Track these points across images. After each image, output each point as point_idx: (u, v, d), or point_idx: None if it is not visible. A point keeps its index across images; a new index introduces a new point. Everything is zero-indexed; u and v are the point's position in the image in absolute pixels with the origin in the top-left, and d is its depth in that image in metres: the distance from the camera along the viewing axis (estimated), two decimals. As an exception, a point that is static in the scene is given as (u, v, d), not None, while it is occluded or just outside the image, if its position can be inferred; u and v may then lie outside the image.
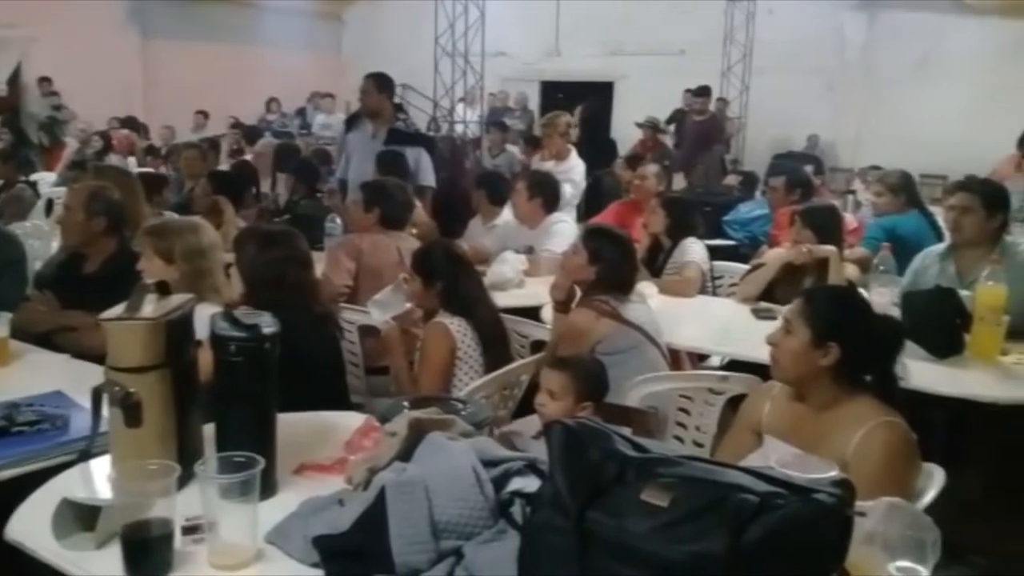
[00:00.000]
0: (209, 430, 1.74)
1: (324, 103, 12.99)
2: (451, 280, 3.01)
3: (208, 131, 11.10)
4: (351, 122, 5.70)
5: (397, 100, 6.26)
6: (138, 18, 12.84)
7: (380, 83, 5.38)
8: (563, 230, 4.44)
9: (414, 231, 4.48)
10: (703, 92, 9.81)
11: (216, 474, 1.48)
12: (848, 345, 2.03)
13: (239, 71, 13.07)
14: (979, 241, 3.41)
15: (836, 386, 2.06)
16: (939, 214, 4.09)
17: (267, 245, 2.69)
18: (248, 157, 7.97)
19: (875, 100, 11.96)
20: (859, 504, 1.31)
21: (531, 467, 1.54)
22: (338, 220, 4.43)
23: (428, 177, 5.37)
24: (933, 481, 1.92)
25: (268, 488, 1.66)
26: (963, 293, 3.11)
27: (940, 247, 3.62)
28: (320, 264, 3.96)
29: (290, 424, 1.88)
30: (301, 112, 13.66)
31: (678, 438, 2.76)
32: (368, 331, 3.45)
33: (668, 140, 10.49)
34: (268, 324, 1.66)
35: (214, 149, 7.99)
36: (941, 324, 3.00)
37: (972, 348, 3.02)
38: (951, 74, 11.67)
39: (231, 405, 1.67)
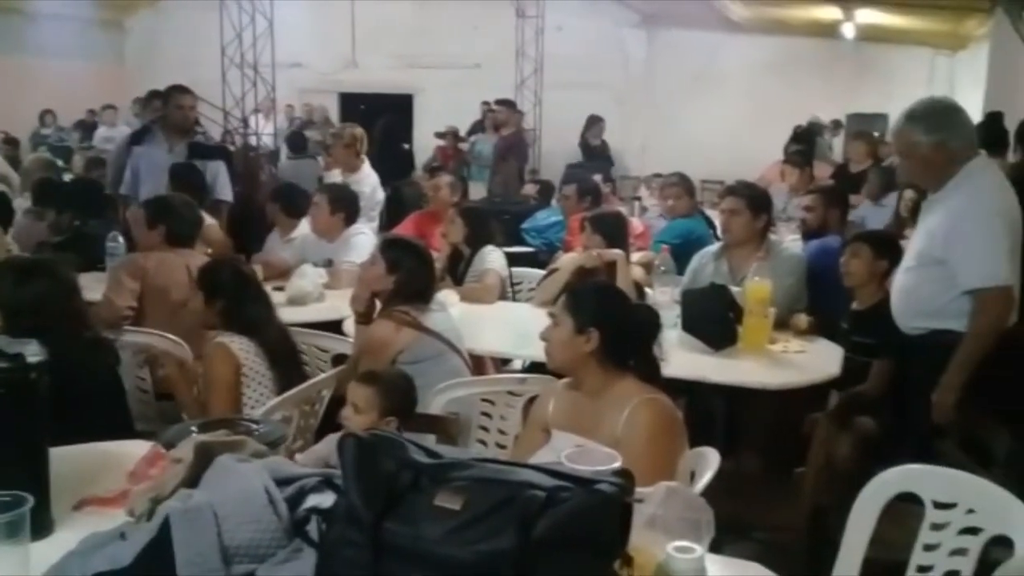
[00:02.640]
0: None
1: (106, 115, 12.20)
2: (234, 300, 2.93)
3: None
4: (140, 136, 5.41)
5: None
6: None
7: (195, 97, 5.29)
8: (362, 242, 4.42)
9: (209, 250, 4.31)
10: (507, 105, 10.05)
11: (-21, 517, 1.37)
12: (607, 330, 2.19)
13: (8, 82, 12.00)
14: (747, 240, 3.71)
15: (603, 371, 2.21)
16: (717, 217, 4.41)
17: (25, 277, 2.51)
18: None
19: (658, 112, 12.73)
20: (638, 491, 1.40)
21: (327, 483, 1.52)
22: (120, 239, 4.19)
23: (225, 191, 5.24)
24: (709, 463, 2.07)
25: (42, 527, 1.55)
26: (735, 289, 3.37)
27: (714, 247, 3.91)
28: (102, 285, 3.74)
29: (68, 457, 1.76)
30: (80, 125, 12.76)
31: (482, 442, 2.82)
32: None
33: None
34: (34, 352, 1.55)
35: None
36: (716, 318, 3.24)
37: (744, 339, 3.28)
38: (724, 87, 12.63)
39: (-5, 442, 1.54)
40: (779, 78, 12.33)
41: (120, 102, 12.17)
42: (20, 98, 11.86)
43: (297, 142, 9.56)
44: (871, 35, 11.73)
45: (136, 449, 1.97)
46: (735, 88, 12.56)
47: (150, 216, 3.79)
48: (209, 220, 4.79)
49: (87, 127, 12.62)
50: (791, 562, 1.92)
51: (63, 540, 1.56)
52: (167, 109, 5.29)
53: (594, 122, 10.86)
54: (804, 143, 9.30)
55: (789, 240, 4.57)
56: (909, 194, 5.26)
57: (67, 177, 7.54)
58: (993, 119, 5.60)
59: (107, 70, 13.95)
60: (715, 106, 12.35)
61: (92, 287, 3.88)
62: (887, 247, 3.38)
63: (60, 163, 8.82)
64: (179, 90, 5.28)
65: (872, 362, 3.22)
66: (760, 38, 12.70)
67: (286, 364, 2.96)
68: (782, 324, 3.44)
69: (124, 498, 1.68)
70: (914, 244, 2.97)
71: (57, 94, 12.47)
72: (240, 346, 2.85)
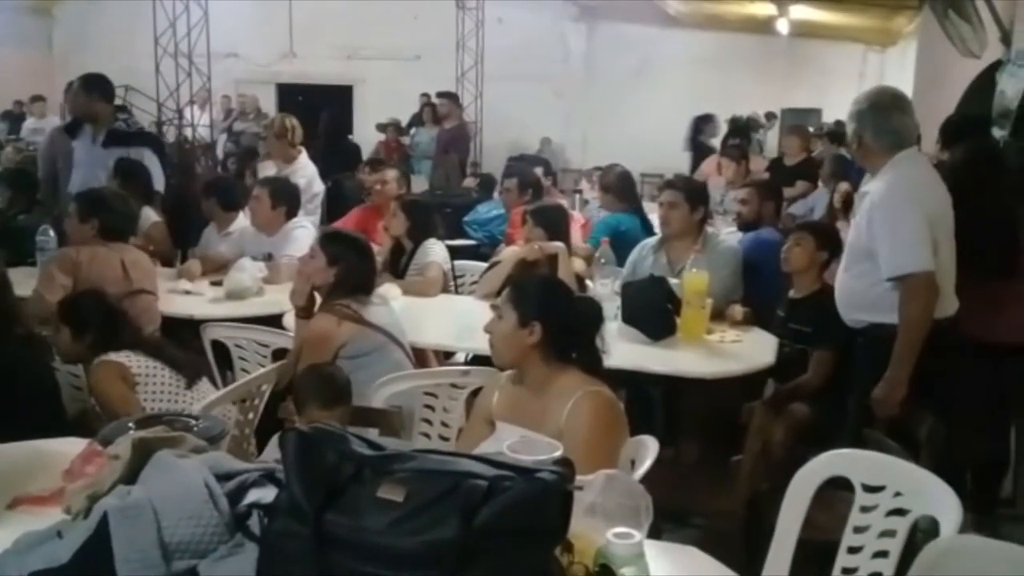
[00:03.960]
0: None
1: (35, 107, 11.82)
2: (104, 329, 2.84)
3: None
4: (73, 129, 5.26)
5: (119, 102, 5.84)
6: None
7: (87, 84, 5.01)
8: (302, 235, 4.37)
9: (151, 247, 4.23)
10: (450, 98, 10.00)
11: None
12: (549, 323, 2.22)
13: (-73, 72, 11.58)
14: (685, 233, 3.78)
15: (546, 364, 2.24)
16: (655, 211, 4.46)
17: None
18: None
19: (599, 105, 12.82)
20: (579, 479, 1.42)
21: (268, 477, 1.51)
22: (51, 233, 4.08)
23: (157, 181, 5.03)
24: (648, 451, 2.11)
25: (-26, 528, 1.52)
26: (673, 281, 3.43)
27: (653, 240, 3.97)
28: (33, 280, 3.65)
29: (2, 455, 1.73)
30: (7, 116, 12.34)
31: (425, 435, 2.83)
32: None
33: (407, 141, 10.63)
34: (-37, 349, 1.51)
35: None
36: (654, 309, 3.30)
37: (682, 330, 3.34)
38: (663, 81, 12.80)
39: (-77, 441, 1.50)
40: (716, 73, 12.53)
41: (49, 92, 11.80)
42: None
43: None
44: (805, 31, 11.99)
45: (71, 447, 1.94)
46: (673, 82, 12.73)
47: (83, 209, 3.70)
48: (154, 217, 4.71)
49: (15, 118, 12.22)
50: (729, 547, 1.96)
51: (-3, 540, 1.53)
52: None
53: (706, 121, 9.82)
54: (741, 137, 9.47)
55: (725, 233, 4.65)
56: (844, 186, 5.40)
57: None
58: None
59: (35, 59, 13.52)
60: (654, 100, 12.49)
61: (22, 282, 3.78)
62: (829, 239, 3.48)
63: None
64: (74, 81, 5.12)
65: (806, 350, 3.31)
66: (697, 33, 12.90)
67: (185, 359, 2.91)
68: (719, 315, 3.51)
69: (60, 496, 1.65)
70: (849, 238, 3.06)
71: (-19, 82, 12.05)
72: (128, 358, 2.77)
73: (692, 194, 3.82)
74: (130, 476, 1.49)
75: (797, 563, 1.96)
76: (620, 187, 4.98)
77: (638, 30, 12.68)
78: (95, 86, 5.01)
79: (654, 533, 1.57)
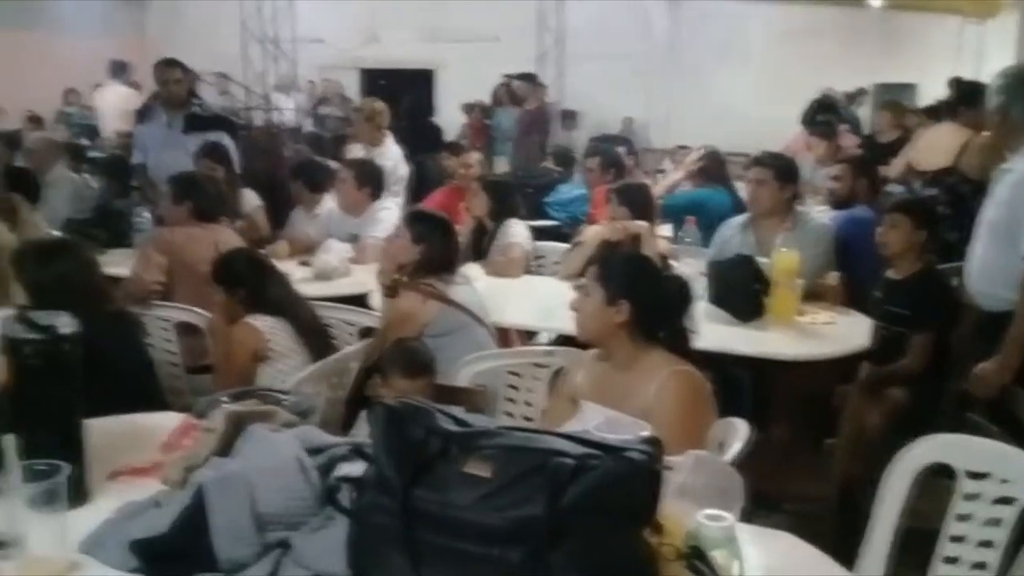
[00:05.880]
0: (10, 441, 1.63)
1: (130, 92, 12.23)
2: (255, 286, 2.94)
3: (1, 126, 10.21)
4: (144, 113, 5.42)
5: (213, 88, 6.01)
6: (-98, 4, 11.63)
7: (184, 68, 5.18)
8: (387, 216, 4.43)
9: (251, 229, 4.33)
10: (529, 80, 9.97)
11: (19, 484, 1.39)
12: (637, 302, 2.18)
13: (31, 60, 12.04)
14: (774, 211, 3.68)
15: (633, 342, 2.20)
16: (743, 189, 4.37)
17: (47, 257, 2.56)
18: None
19: (683, 83, 12.59)
20: (667, 459, 1.39)
21: (357, 451, 1.53)
22: (147, 214, 4.22)
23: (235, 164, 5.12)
24: (738, 434, 2.06)
25: (79, 496, 1.58)
26: (761, 260, 3.34)
27: (741, 218, 3.87)
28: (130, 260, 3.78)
29: (102, 429, 1.79)
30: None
31: (508, 414, 2.82)
32: (187, 329, 3.32)
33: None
34: (66, 324, 1.57)
35: (12, 145, 7.37)
36: (742, 290, 3.22)
37: (772, 311, 3.26)
38: (750, 57, 12.47)
39: (32, 412, 1.56)
40: (804, 48, 12.14)
41: (143, 78, 12.19)
42: (43, 76, 11.90)
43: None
44: (898, 3, 11.53)
45: (168, 421, 2.00)
46: (760, 58, 12.39)
47: (177, 192, 3.82)
48: (256, 201, 4.84)
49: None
50: (821, 533, 1.91)
51: (100, 509, 1.59)
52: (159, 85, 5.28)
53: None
54: (830, 113, 9.16)
55: (816, 211, 4.52)
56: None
57: (93, 155, 7.59)
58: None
59: (129, 46, 13.97)
60: (740, 77, 12.19)
61: (120, 263, 3.93)
62: (926, 217, 3.33)
63: (85, 141, 8.88)
64: (165, 64, 5.22)
65: (904, 333, 3.18)
66: (784, 7, 12.52)
67: (315, 339, 2.98)
68: (810, 295, 3.41)
69: (158, 468, 1.71)
70: (988, 214, 2.91)
71: (79, 71, 12.50)
72: (267, 324, 2.87)
73: (781, 171, 3.72)
74: (225, 449, 1.53)
75: (893, 550, 1.89)
76: (709, 166, 4.90)
77: (723, 5, 12.37)
78: (186, 69, 5.16)
79: (744, 517, 1.53)
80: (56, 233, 4.34)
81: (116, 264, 3.93)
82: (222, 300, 2.96)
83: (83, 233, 4.42)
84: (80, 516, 1.52)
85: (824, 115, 8.94)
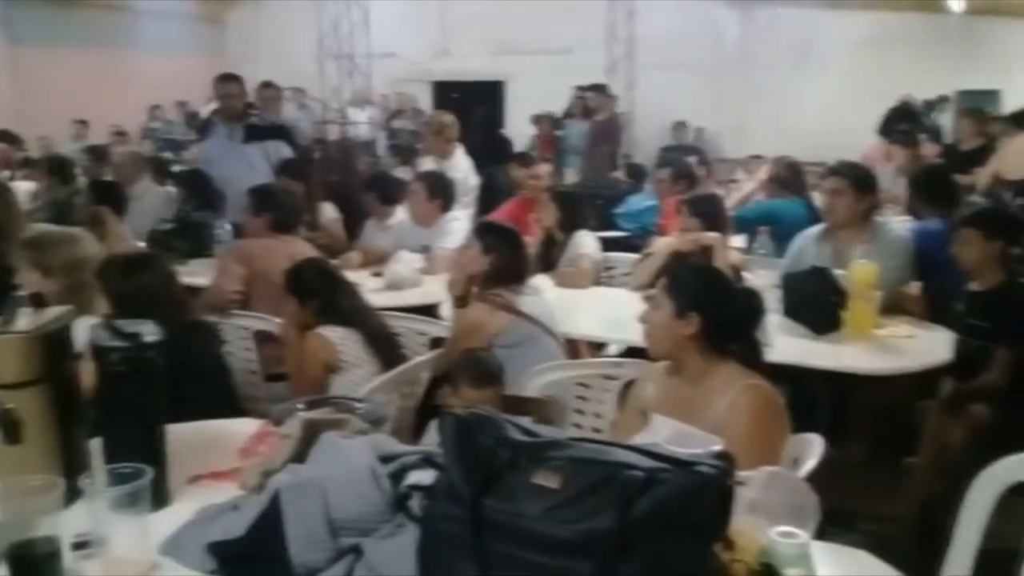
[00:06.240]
0: (97, 444, 1.69)
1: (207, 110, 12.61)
2: (326, 296, 3.00)
3: (89, 140, 10.64)
4: (205, 129, 5.58)
5: (290, 104, 6.11)
6: (3, 25, 12.20)
7: (241, 82, 5.33)
8: (458, 228, 4.47)
9: (327, 241, 4.43)
10: (600, 91, 9.95)
11: (103, 487, 1.45)
12: (707, 314, 2.15)
13: (117, 77, 12.55)
14: (850, 222, 3.59)
15: (703, 355, 2.17)
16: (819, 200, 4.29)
17: (130, 269, 2.65)
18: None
19: (756, 92, 12.41)
20: (740, 474, 1.37)
21: (427, 460, 1.55)
22: (227, 226, 4.34)
23: None
24: (813, 450, 2.02)
25: (160, 499, 1.63)
26: (838, 272, 3.27)
27: (816, 229, 3.79)
28: (211, 271, 3.89)
29: (183, 434, 1.84)
30: (194, 118, 13.23)
31: (577, 425, 2.82)
32: (264, 337, 3.41)
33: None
34: (150, 332, 1.63)
35: (100, 159, 7.67)
36: (818, 302, 3.15)
37: (849, 324, 3.18)
38: (826, 65, 12.21)
39: (116, 416, 1.62)
40: (882, 54, 11.85)
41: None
42: (128, 92, 12.38)
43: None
44: (980, 8, 11.17)
45: (246, 427, 2.05)
46: (836, 66, 12.13)
47: (256, 204, 3.92)
48: (332, 213, 4.95)
49: (202, 122, 13.05)
50: (899, 553, 1.85)
51: (179, 511, 1.64)
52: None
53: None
54: (910, 122, 8.93)
55: (896, 222, 4.40)
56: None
57: (176, 169, 7.84)
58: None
59: (209, 64, 14.43)
60: (815, 84, 11.96)
61: (201, 273, 4.05)
62: (999, 225, 3.21)
63: (169, 155, 9.17)
64: (223, 79, 5.37)
65: (987, 347, 3.08)
66: (860, 14, 12.24)
67: (386, 348, 3.02)
68: (889, 308, 3.33)
69: (236, 473, 1.75)
70: None
71: (163, 88, 12.95)
72: (338, 335, 2.92)
73: (858, 181, 3.63)
74: (300, 455, 1.56)
75: (973, 571, 1.83)
76: (785, 176, 4.83)
77: (795, 13, 12.16)
78: (243, 84, 5.29)
79: (818, 535, 1.49)
80: (141, 244, 4.51)
81: (197, 274, 4.06)
82: (294, 310, 3.02)
83: (166, 244, 4.59)
84: (161, 518, 1.56)
85: (904, 123, 8.72)
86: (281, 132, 5.45)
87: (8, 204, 3.68)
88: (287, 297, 3.03)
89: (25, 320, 1.62)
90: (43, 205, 5.87)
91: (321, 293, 3.01)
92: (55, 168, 6.06)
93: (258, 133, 5.23)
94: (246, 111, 5.35)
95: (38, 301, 1.69)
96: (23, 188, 6.63)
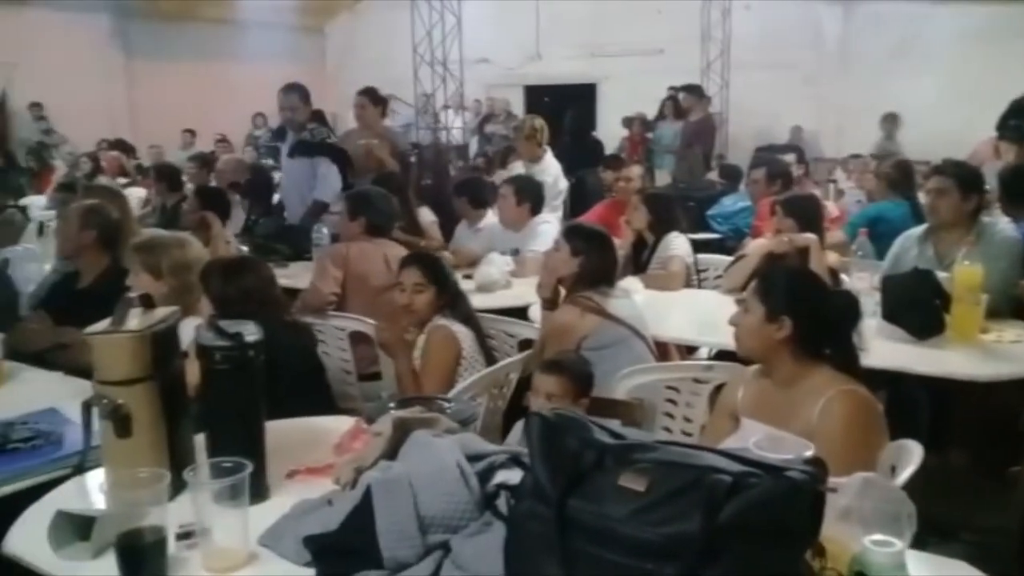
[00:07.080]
0: (200, 439, 1.78)
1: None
2: (456, 291, 3.10)
3: (196, 149, 11.12)
4: (281, 138, 5.61)
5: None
6: (120, 39, 12.84)
7: (306, 95, 5.33)
8: (547, 231, 4.49)
9: (426, 243, 4.53)
10: (694, 91, 9.84)
11: (206, 480, 1.52)
12: (800, 318, 2.10)
13: (223, 87, 13.06)
14: (955, 223, 3.46)
15: (795, 360, 2.13)
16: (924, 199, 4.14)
17: (232, 273, 2.74)
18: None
19: (855, 90, 12.02)
20: (832, 480, 1.34)
21: (515, 460, 1.57)
22: (325, 230, 4.47)
23: (325, 192, 5.12)
24: (912, 457, 1.96)
25: (259, 492, 1.69)
26: (941, 275, 3.15)
27: (918, 230, 3.67)
28: (309, 273, 4.01)
29: (281, 430, 1.91)
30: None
31: (667, 429, 2.80)
32: (359, 338, 3.49)
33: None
34: (251, 332, 1.70)
35: (206, 166, 8.01)
36: (920, 305, 3.04)
37: (952, 328, 3.06)
38: (928, 61, 11.73)
39: (219, 413, 1.70)
40: (990, 49, 11.31)
41: (323, 106, 12.90)
42: (233, 102, 12.86)
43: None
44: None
45: (341, 424, 2.12)
46: (941, 61, 11.65)
47: (351, 208, 4.03)
48: (431, 217, 5.04)
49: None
50: (1002, 566, 1.78)
51: (277, 504, 1.71)
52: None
53: None
54: (1021, 118, 8.50)
55: (1005, 222, 4.21)
56: None
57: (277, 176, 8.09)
58: None
59: (310, 73, 14.86)
60: (918, 81, 11.51)
61: (300, 275, 4.18)
62: None
63: (270, 162, 9.46)
64: (284, 90, 5.37)
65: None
66: (967, 6, 11.71)
67: (487, 351, 3.10)
68: (995, 312, 3.19)
69: (331, 468, 1.81)
70: None
71: (266, 97, 13.37)
72: (462, 331, 2.99)
73: (964, 180, 3.49)
74: (391, 452, 1.61)
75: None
76: (894, 176, 4.68)
77: (900, 7, 11.72)
78: (308, 96, 5.34)
79: (917, 545, 1.45)
80: (244, 248, 4.68)
81: (296, 277, 4.19)
82: (430, 299, 3.05)
83: (267, 248, 4.75)
84: (260, 511, 1.63)
85: (1016, 119, 8.31)
86: (328, 150, 5.27)
87: (122, 210, 3.88)
88: (427, 285, 3.05)
89: (135, 320, 1.71)
90: (153, 211, 6.18)
91: (454, 286, 3.09)
92: (164, 175, 6.33)
93: (303, 149, 5.23)
94: (305, 125, 5.28)
95: (147, 302, 1.78)
96: (135, 194, 7.01)
